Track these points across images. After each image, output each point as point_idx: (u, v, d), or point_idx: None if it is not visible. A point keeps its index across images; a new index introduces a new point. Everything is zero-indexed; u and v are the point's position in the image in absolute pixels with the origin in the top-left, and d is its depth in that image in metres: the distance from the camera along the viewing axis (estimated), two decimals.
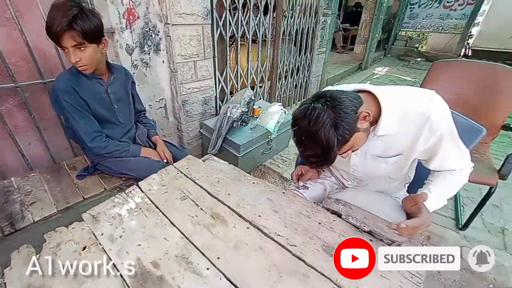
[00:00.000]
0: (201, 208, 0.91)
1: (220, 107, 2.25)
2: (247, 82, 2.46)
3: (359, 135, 0.80)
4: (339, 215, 0.91)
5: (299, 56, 3.07)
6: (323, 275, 0.71)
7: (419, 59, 7.27)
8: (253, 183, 1.04)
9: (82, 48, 1.05)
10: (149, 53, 1.65)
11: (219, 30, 1.93)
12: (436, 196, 0.88)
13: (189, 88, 1.89)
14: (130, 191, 0.99)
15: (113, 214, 0.88)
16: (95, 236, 0.81)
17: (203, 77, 1.95)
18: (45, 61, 1.39)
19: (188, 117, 2.00)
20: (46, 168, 1.37)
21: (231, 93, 2.36)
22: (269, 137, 2.07)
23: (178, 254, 0.75)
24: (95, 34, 1.06)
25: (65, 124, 1.31)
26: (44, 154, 1.54)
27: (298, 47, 2.99)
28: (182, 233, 0.82)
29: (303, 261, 0.75)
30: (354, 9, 7.46)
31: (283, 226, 0.86)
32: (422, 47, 7.77)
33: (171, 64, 1.76)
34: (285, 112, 2.25)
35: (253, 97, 2.15)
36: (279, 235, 0.82)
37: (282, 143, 2.41)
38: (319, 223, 0.88)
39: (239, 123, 1.92)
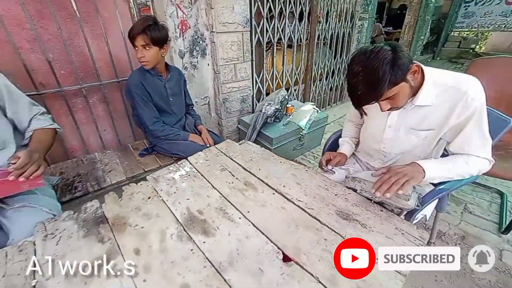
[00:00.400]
0: (236, 178, 1.11)
1: (256, 105, 2.48)
2: (282, 83, 2.65)
3: (405, 87, 0.86)
4: (355, 190, 1.03)
5: (334, 59, 3.17)
6: (334, 231, 0.85)
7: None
8: (280, 162, 1.22)
9: (147, 48, 1.36)
10: (197, 57, 1.95)
11: (257, 36, 2.17)
12: (437, 164, 0.93)
13: (229, 88, 2.15)
14: (182, 163, 1.24)
15: (169, 178, 1.14)
16: (156, 191, 1.06)
17: (242, 78, 2.20)
18: (119, 65, 1.76)
19: (228, 113, 2.26)
20: (116, 147, 1.73)
21: (267, 93, 2.57)
22: (301, 133, 2.22)
23: (218, 207, 0.96)
24: (159, 40, 1.37)
25: (132, 113, 1.65)
26: (114, 138, 1.92)
27: (334, 50, 3.09)
28: (221, 194, 1.03)
29: (318, 220, 0.89)
30: (398, 11, 7.20)
31: (304, 195, 1.01)
32: (480, 47, 7.11)
33: (215, 66, 2.04)
34: (317, 111, 2.37)
35: (286, 96, 2.33)
36: (299, 200, 0.98)
37: (314, 140, 2.52)
38: (336, 194, 1.01)
39: (272, 119, 2.11)
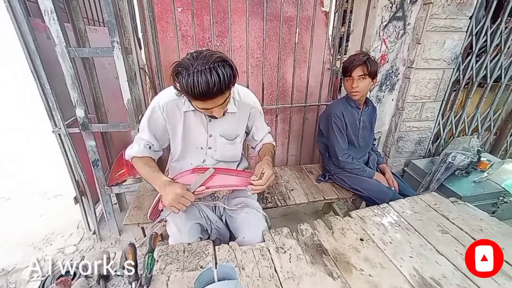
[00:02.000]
0: None
1: (430, 150, 2.13)
2: (468, 128, 2.18)
3: None
4: None
5: None
6: None
7: None
8: None
9: (363, 79, 1.38)
10: (384, 91, 1.86)
11: (457, 74, 1.86)
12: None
13: (409, 127, 1.94)
14: (384, 208, 1.14)
15: (376, 222, 1.06)
16: (367, 234, 1.00)
17: (426, 118, 1.93)
18: (310, 92, 1.90)
19: (398, 152, 2.04)
20: (292, 166, 1.85)
21: (446, 138, 2.17)
22: (502, 198, 1.71)
23: (459, 284, 0.79)
24: (374, 73, 1.37)
25: (319, 139, 1.73)
26: (284, 155, 2.08)
27: None
28: (455, 266, 0.85)
29: None
30: None
31: None
32: None
33: (399, 103, 1.88)
34: None
35: (480, 148, 1.87)
36: None
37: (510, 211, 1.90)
38: None
39: (463, 172, 1.73)
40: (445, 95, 1.91)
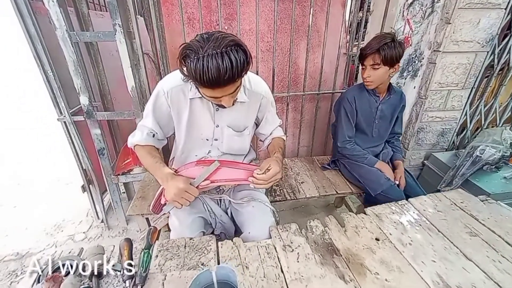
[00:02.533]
0: (503, 256, 0.80)
1: (454, 142, 1.97)
2: (499, 119, 1.98)
3: None
4: None
5: None
6: None
7: None
8: None
9: (375, 68, 1.25)
10: (405, 78, 1.71)
11: (491, 57, 1.67)
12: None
13: (432, 117, 1.78)
14: (403, 204, 1.04)
15: (394, 220, 0.96)
16: (384, 233, 0.91)
17: (452, 108, 1.77)
18: (324, 79, 1.78)
19: (417, 145, 1.89)
20: (303, 158, 1.76)
21: (473, 130, 1.99)
22: None
23: None
24: (392, 60, 1.23)
25: (332, 123, 1.66)
26: (295, 146, 1.99)
27: None
28: (486, 274, 0.75)
29: None
30: None
31: None
32: None
33: (422, 91, 1.72)
34: None
35: None
36: None
37: None
38: None
39: (492, 167, 1.58)
40: (475, 82, 1.72)
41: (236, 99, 0.93)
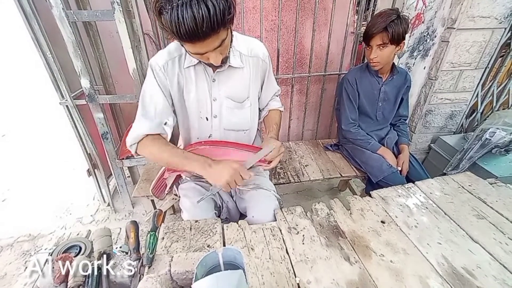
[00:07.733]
0: (508, 237, 0.80)
1: (463, 125, 1.92)
2: (511, 101, 1.92)
3: None
4: None
5: None
6: None
7: None
8: None
9: (382, 48, 1.20)
10: (415, 58, 1.64)
11: (508, 35, 1.58)
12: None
13: (441, 99, 1.73)
14: (409, 188, 1.03)
15: (400, 203, 0.96)
16: (390, 216, 0.91)
17: (463, 89, 1.71)
18: (330, 60, 1.72)
19: (425, 127, 1.85)
20: (308, 141, 1.74)
21: (483, 112, 1.93)
22: None
23: (496, 276, 0.69)
24: (399, 37, 1.17)
25: (336, 106, 1.63)
26: (300, 129, 1.96)
27: None
28: (492, 256, 0.75)
29: None
30: None
31: None
32: None
33: (432, 71, 1.65)
34: None
35: None
36: None
37: None
38: None
39: (502, 150, 1.54)
40: (489, 62, 1.65)
41: (228, 59, 0.88)
